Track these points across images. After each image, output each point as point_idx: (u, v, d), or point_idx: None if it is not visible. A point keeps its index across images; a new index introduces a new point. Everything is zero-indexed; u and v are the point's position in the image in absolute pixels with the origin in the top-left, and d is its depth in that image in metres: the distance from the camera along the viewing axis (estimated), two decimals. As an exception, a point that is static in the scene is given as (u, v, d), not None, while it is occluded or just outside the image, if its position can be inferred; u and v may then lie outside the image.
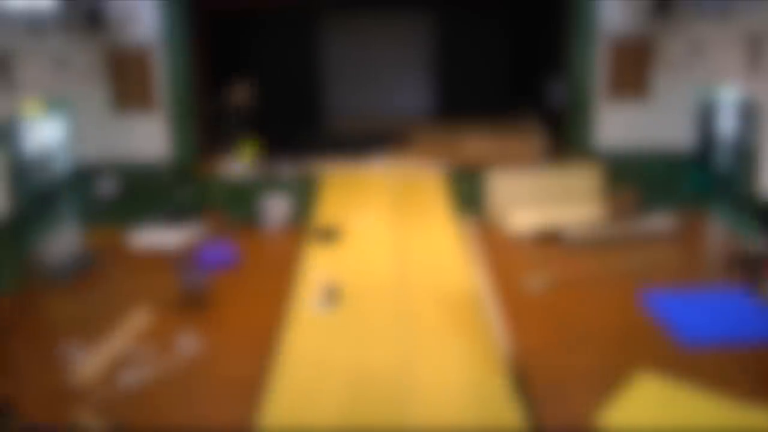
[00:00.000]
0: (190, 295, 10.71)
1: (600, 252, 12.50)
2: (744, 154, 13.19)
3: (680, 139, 16.24)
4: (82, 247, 12.86)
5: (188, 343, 9.54)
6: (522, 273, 11.66)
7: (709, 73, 14.41)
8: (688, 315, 10.00)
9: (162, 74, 16.29)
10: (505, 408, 7.73)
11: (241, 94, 18.12)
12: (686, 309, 10.18)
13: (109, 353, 9.27)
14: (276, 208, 14.12)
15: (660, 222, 13.12)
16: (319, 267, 11.87)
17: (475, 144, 16.77)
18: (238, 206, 14.72)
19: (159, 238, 13.00)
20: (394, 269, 11.82)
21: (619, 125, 16.61)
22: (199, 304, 10.64)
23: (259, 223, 14.07)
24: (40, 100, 14.20)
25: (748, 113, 13.13)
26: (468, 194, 14.97)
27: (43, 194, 14.63)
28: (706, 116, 15.54)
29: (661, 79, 16.39)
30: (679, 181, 15.79)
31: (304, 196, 15.17)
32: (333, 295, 10.27)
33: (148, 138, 16.46)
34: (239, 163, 16.43)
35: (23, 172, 13.74)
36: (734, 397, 8.01)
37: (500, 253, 12.74)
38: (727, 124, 14.42)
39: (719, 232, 13.28)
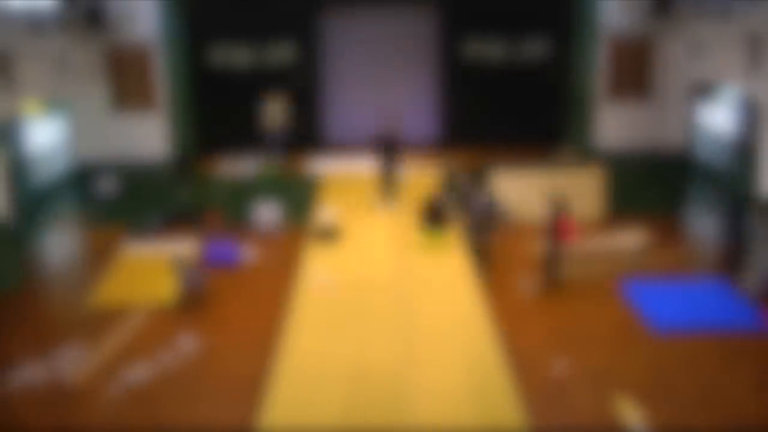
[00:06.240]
0: (189, 295, 10.69)
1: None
2: (743, 153, 13.18)
3: (680, 138, 16.23)
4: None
5: (188, 343, 9.54)
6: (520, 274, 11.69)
7: (709, 72, 14.40)
8: (664, 304, 10.32)
9: (162, 73, 16.29)
10: (505, 408, 7.74)
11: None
12: (664, 299, 10.51)
13: (109, 353, 9.27)
14: (267, 210, 14.08)
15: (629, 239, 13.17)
16: (319, 267, 11.88)
17: None
18: (237, 206, 14.71)
19: (157, 248, 12.95)
20: (394, 269, 11.82)
21: (619, 125, 16.60)
22: (198, 304, 10.63)
23: (251, 225, 14.07)
24: (40, 99, 14.19)
25: (747, 113, 13.12)
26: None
27: (43, 194, 14.62)
28: (705, 116, 15.52)
29: (661, 79, 16.38)
30: (678, 181, 15.79)
31: (303, 197, 15.17)
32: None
33: (148, 137, 16.44)
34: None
35: (23, 172, 13.73)
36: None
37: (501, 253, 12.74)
38: (726, 123, 14.41)
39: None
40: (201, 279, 10.85)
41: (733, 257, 11.81)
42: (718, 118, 14.81)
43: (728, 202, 13.32)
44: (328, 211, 13.51)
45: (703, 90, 15.24)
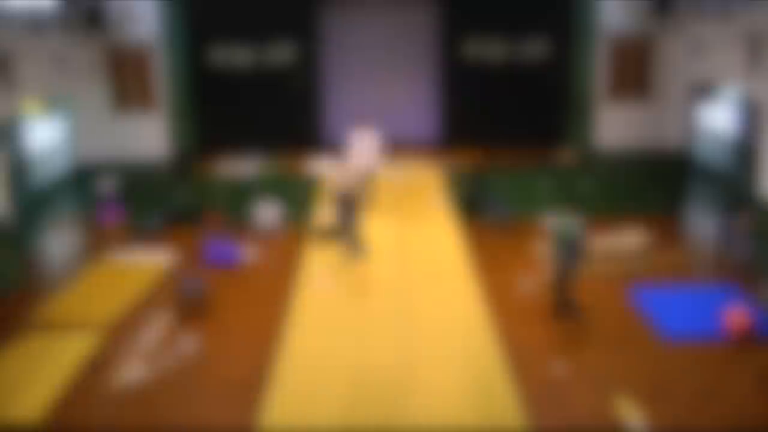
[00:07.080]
0: (188, 300, 10.66)
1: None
2: (744, 153, 13.19)
3: (680, 138, 16.24)
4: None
5: (188, 344, 9.54)
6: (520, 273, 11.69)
7: (709, 72, 14.40)
8: (673, 310, 10.16)
9: (162, 73, 16.29)
10: (506, 408, 7.74)
11: None
12: (672, 305, 10.35)
13: (108, 353, 9.27)
14: (267, 210, 14.07)
15: (631, 239, 13.00)
16: (319, 266, 11.87)
17: None
18: (237, 206, 14.71)
19: (145, 255, 12.89)
20: (395, 269, 11.82)
21: (619, 125, 16.61)
22: (198, 307, 10.61)
23: (252, 224, 14.06)
24: (41, 99, 14.20)
25: (747, 113, 13.12)
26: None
27: (43, 194, 14.62)
28: (705, 116, 15.53)
29: (662, 79, 16.39)
30: (678, 182, 15.79)
31: (303, 197, 15.17)
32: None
33: (148, 137, 16.45)
34: None
35: (23, 172, 13.73)
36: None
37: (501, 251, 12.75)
38: (726, 123, 14.42)
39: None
40: (201, 288, 10.78)
41: (743, 265, 11.63)
42: (718, 118, 14.81)
43: (728, 203, 13.32)
44: (327, 210, 13.50)
45: (703, 90, 15.24)
